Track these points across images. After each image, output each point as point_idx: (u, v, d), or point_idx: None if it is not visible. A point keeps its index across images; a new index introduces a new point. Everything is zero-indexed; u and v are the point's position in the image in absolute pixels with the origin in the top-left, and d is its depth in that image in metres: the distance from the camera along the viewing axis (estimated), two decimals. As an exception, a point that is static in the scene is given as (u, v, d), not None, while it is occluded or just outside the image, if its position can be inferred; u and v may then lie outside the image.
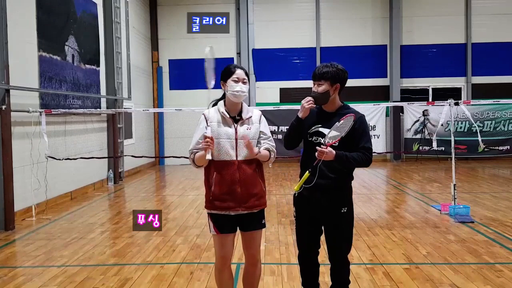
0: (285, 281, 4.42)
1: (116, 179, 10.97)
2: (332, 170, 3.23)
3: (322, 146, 3.15)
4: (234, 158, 3.18)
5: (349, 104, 3.45)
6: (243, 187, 3.18)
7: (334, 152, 3.12)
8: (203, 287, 4.32)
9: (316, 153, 3.12)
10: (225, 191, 3.16)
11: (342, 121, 3.18)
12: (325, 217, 3.34)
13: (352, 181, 3.40)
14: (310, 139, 3.35)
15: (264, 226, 3.36)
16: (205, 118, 3.25)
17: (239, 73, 3.24)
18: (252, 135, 3.24)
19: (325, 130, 3.27)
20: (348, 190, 3.39)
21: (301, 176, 3.30)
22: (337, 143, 3.18)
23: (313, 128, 3.35)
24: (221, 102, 3.32)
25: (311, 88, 3.38)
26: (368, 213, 7.33)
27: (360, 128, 3.25)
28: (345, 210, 3.32)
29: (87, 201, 8.83)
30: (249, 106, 3.56)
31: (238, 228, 3.33)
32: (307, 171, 3.20)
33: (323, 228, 3.43)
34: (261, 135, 3.30)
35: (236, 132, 3.21)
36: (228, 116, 3.24)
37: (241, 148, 3.19)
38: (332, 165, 3.20)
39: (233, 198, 3.18)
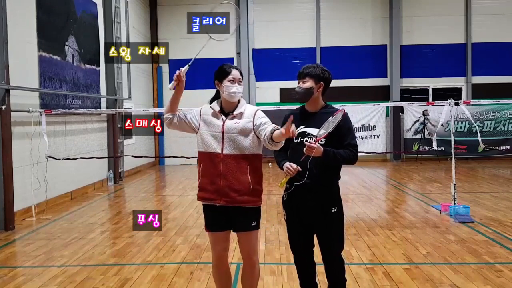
0: (285, 281, 4.42)
1: (116, 179, 10.96)
2: (318, 168, 3.24)
3: (310, 141, 3.16)
4: (219, 151, 3.18)
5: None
6: (225, 181, 3.17)
7: (322, 148, 3.15)
8: (203, 287, 4.33)
9: (305, 149, 3.13)
10: (208, 182, 3.21)
11: (335, 115, 3.22)
12: (315, 218, 3.34)
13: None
14: (296, 140, 3.36)
15: (255, 228, 3.29)
16: (200, 110, 3.32)
17: (234, 73, 3.25)
18: (239, 129, 3.19)
19: (309, 130, 3.32)
20: (336, 189, 3.41)
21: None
22: (323, 140, 3.21)
23: (297, 130, 3.36)
24: (218, 100, 3.34)
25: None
26: (368, 213, 7.33)
27: (345, 126, 3.29)
28: (335, 210, 3.33)
29: (87, 201, 8.83)
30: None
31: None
32: None
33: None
34: (261, 126, 3.16)
35: (223, 126, 3.21)
36: (218, 110, 3.26)
37: (227, 141, 3.18)
38: (318, 164, 3.21)
39: (214, 190, 3.20)
